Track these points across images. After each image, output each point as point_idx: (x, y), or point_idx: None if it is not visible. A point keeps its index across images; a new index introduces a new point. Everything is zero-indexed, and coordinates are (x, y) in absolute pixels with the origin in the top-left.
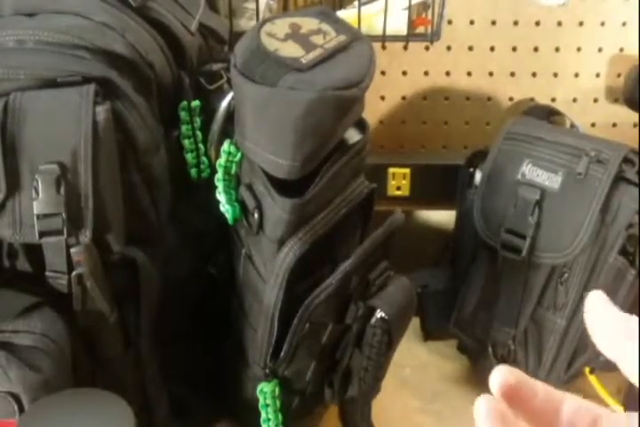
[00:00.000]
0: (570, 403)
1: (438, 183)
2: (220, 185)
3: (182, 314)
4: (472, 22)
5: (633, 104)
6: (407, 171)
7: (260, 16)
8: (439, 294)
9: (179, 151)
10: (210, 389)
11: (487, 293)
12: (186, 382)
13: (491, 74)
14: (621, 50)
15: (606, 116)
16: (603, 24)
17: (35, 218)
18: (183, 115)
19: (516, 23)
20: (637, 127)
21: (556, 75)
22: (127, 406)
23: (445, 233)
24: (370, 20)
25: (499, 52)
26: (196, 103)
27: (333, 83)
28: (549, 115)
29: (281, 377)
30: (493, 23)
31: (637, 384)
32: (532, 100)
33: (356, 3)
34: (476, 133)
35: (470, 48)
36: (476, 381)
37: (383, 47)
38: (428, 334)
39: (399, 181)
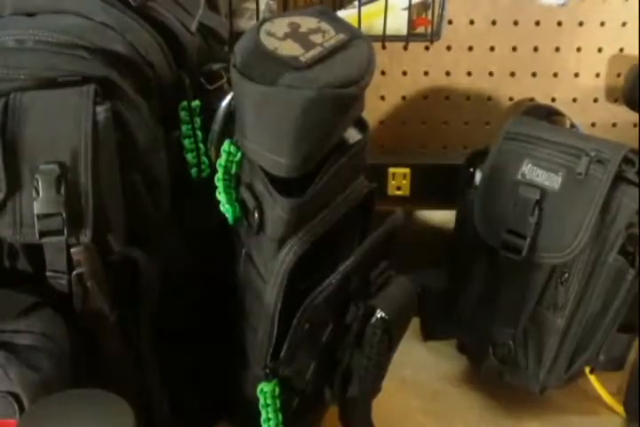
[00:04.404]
0: None
1: (438, 183)
2: (220, 185)
3: (182, 314)
4: (472, 22)
5: (633, 104)
6: (407, 171)
7: (260, 16)
8: (439, 294)
9: (179, 151)
10: (210, 389)
11: (487, 293)
12: (186, 382)
13: (491, 74)
14: (621, 50)
15: (606, 115)
16: (602, 24)
17: (35, 218)
18: (183, 115)
19: (516, 23)
20: (637, 127)
21: (555, 75)
22: (127, 406)
23: (445, 233)
24: (370, 19)
25: (499, 51)
26: (196, 103)
27: (332, 81)
28: (549, 115)
29: (281, 377)
30: (493, 23)
31: None
32: (531, 99)
33: (355, 2)
34: (476, 133)
35: (470, 48)
36: (476, 381)
37: (383, 47)
38: (428, 334)
39: (399, 180)
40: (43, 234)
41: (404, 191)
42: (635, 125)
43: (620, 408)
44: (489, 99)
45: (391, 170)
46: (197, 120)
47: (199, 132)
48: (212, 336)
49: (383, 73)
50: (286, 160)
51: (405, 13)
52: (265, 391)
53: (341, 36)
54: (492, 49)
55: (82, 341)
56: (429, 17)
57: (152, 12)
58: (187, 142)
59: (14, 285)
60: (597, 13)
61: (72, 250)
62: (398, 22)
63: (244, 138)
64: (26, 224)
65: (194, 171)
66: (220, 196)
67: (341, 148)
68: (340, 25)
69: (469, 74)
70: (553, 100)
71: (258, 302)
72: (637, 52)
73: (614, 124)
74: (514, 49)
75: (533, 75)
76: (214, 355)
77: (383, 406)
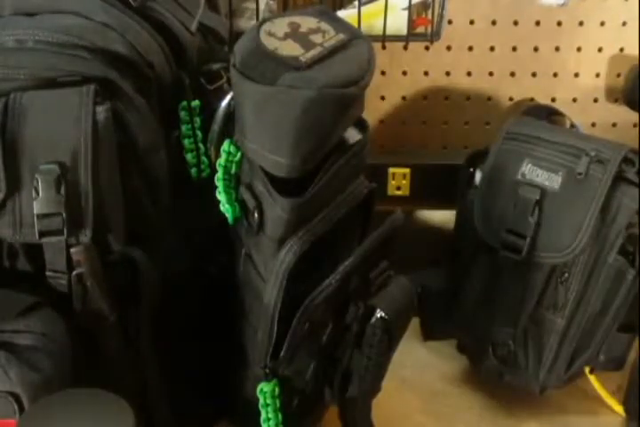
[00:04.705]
0: None
1: (438, 183)
2: (219, 185)
3: (182, 314)
4: (472, 22)
5: (633, 104)
6: (407, 171)
7: (260, 16)
8: (439, 294)
9: (179, 151)
10: (210, 389)
11: (487, 293)
12: (186, 382)
13: (491, 74)
14: (621, 50)
15: (606, 115)
16: (603, 24)
17: (35, 218)
18: (183, 114)
19: (516, 23)
20: (637, 127)
21: (555, 75)
22: (127, 406)
23: (445, 233)
24: (370, 19)
25: (499, 51)
26: (195, 103)
27: (332, 81)
28: (549, 115)
29: (281, 377)
30: (493, 23)
31: None
32: (531, 99)
33: (355, 2)
34: (476, 133)
35: (470, 48)
36: (476, 381)
37: (383, 47)
38: (428, 334)
39: (399, 180)
40: (42, 234)
41: (404, 191)
42: (635, 125)
43: (619, 408)
44: (489, 99)
45: (391, 170)
46: (197, 120)
47: (199, 132)
48: (212, 336)
49: (383, 73)
50: (286, 160)
51: (405, 13)
52: (265, 391)
53: (341, 36)
54: (492, 49)
55: (82, 341)
56: (429, 17)
57: (152, 11)
58: (186, 142)
59: (14, 285)
60: (597, 13)
61: (72, 250)
62: (398, 22)
63: (244, 138)
64: (26, 224)
65: (194, 171)
66: (220, 196)
67: (341, 148)
68: (340, 25)
69: (469, 74)
70: (553, 100)
71: (257, 302)
72: (637, 52)
73: (614, 125)
74: (514, 49)
75: (533, 75)
76: (214, 355)
77: (383, 406)
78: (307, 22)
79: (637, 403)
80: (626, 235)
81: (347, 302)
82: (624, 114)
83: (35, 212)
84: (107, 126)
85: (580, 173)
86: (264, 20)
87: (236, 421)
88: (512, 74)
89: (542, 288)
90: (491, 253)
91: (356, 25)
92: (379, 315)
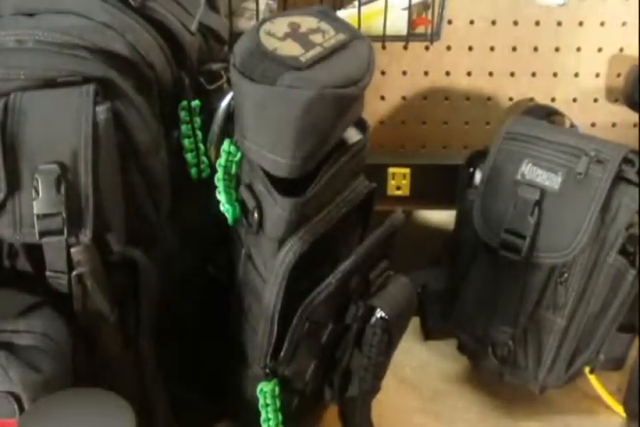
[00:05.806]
0: None
1: (438, 183)
2: (220, 185)
3: (182, 314)
4: (472, 22)
5: (633, 104)
6: (407, 171)
7: (260, 16)
8: (439, 294)
9: (179, 151)
10: (210, 389)
11: (487, 292)
12: (186, 382)
13: (491, 74)
14: (621, 50)
15: (606, 116)
16: (602, 24)
17: (35, 218)
18: (183, 114)
19: (515, 23)
20: (637, 127)
21: (555, 75)
22: (127, 406)
23: (445, 233)
24: (370, 19)
25: (499, 52)
26: (195, 103)
27: (332, 81)
28: (549, 115)
29: (281, 377)
30: (493, 23)
31: None
32: (531, 99)
33: (355, 2)
34: (475, 133)
35: (470, 48)
36: (476, 381)
37: (383, 47)
38: (428, 334)
39: (399, 180)
40: (42, 234)
41: (404, 191)
42: (635, 125)
43: (619, 408)
44: (489, 99)
45: (391, 170)
46: (197, 120)
47: (199, 132)
48: (212, 336)
49: (383, 73)
50: (286, 160)
51: (405, 13)
52: (265, 391)
53: (341, 36)
54: (491, 49)
55: (82, 341)
56: (429, 17)
57: (152, 11)
58: (186, 142)
59: (14, 285)
60: (597, 13)
61: (72, 250)
62: (398, 22)
63: (244, 138)
64: (26, 224)
65: (194, 171)
66: (220, 196)
67: (341, 148)
68: (340, 25)
69: (469, 74)
70: (553, 100)
71: (257, 302)
72: (637, 52)
73: (614, 125)
74: (514, 49)
75: (533, 75)
76: (214, 355)
77: (383, 406)
78: (307, 22)
79: (637, 403)
80: (626, 235)
81: (347, 302)
82: (624, 114)
83: (35, 212)
84: (107, 126)
85: (579, 173)
86: (264, 20)
87: (236, 421)
88: (512, 74)
89: (542, 288)
90: (490, 253)
91: (355, 25)
92: (379, 315)
